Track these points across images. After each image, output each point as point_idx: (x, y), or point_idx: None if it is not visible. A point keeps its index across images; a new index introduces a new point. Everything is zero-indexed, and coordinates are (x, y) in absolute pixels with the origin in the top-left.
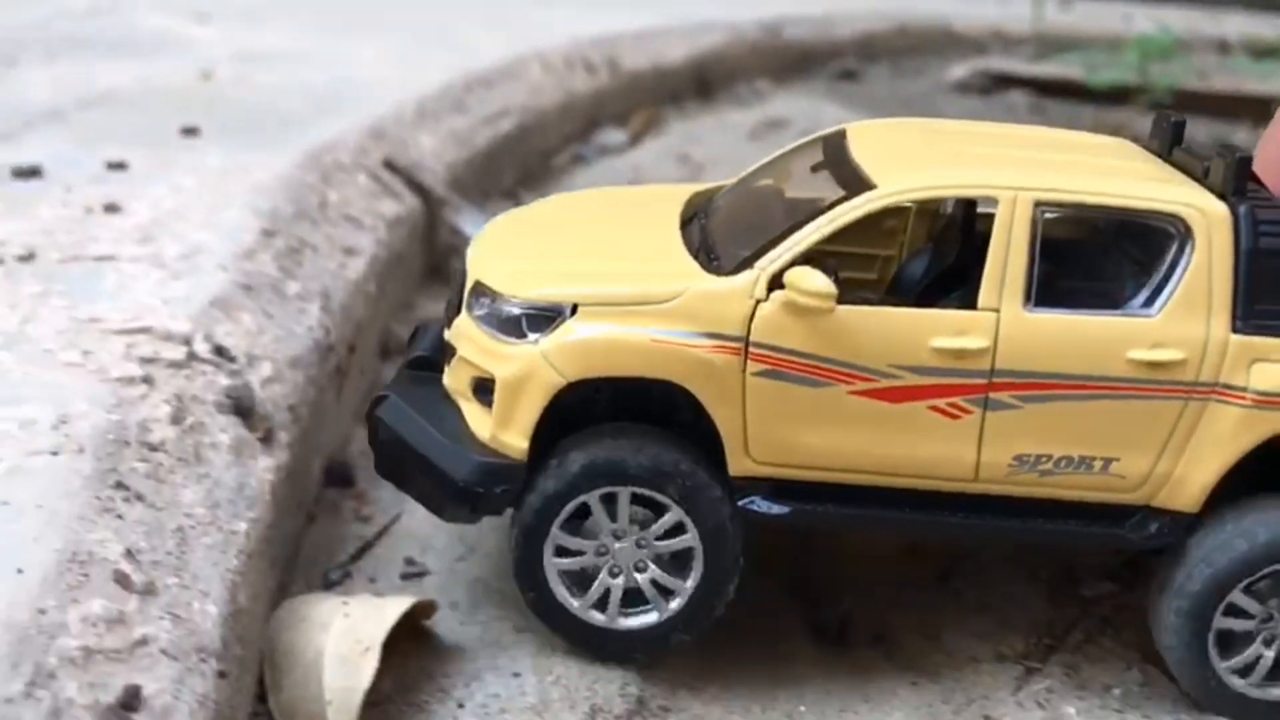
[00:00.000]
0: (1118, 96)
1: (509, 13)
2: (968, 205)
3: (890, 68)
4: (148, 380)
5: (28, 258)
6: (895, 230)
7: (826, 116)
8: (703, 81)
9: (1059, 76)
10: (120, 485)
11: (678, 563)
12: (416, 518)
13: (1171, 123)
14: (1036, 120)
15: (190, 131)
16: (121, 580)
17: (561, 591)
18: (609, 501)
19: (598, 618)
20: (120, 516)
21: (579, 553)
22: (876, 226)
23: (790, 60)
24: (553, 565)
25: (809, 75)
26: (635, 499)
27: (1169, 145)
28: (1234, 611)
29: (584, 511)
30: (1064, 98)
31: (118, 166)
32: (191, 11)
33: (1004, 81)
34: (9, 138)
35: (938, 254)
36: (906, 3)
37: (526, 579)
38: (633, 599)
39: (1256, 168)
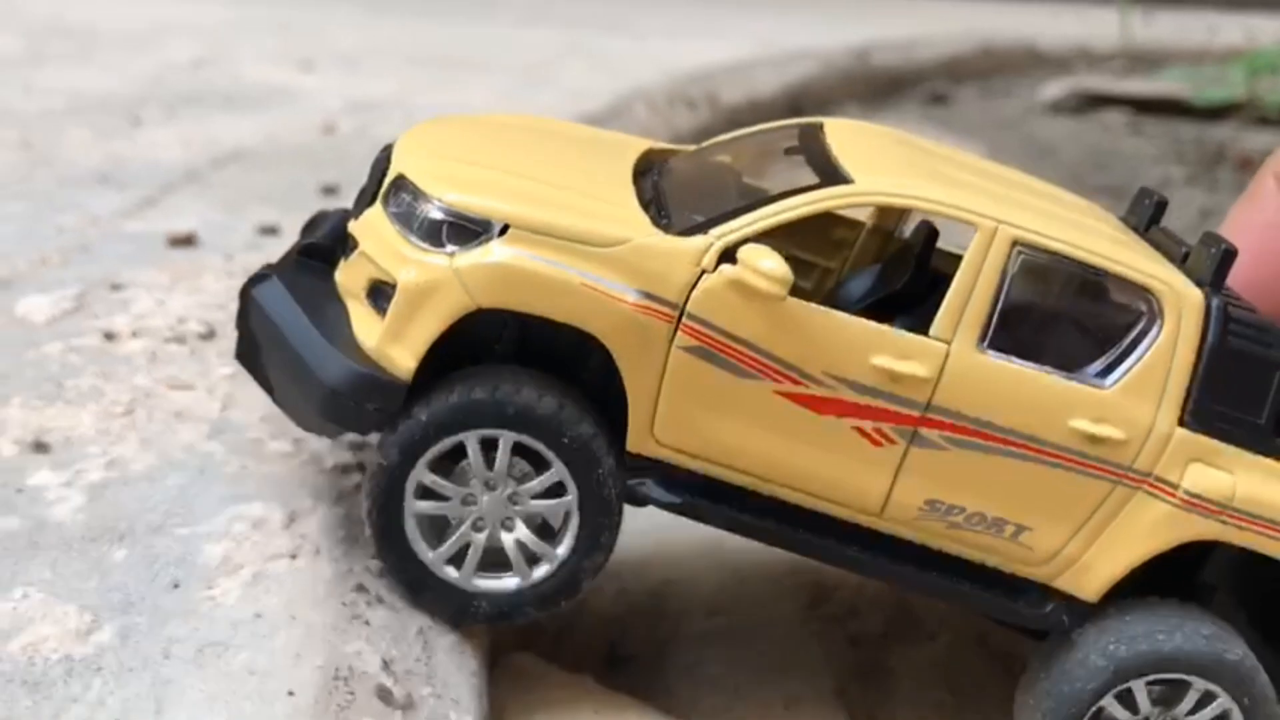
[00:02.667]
0: (1218, 113)
1: (603, 47)
2: (928, 235)
3: (978, 89)
4: (363, 467)
5: (209, 336)
6: (842, 243)
7: None
8: (796, 111)
9: (1157, 94)
10: (361, 588)
11: (550, 528)
12: (605, 597)
13: (1154, 201)
14: (1137, 140)
15: (330, 190)
16: (384, 696)
17: (416, 537)
18: (488, 448)
19: (450, 573)
20: (367, 623)
21: (444, 498)
22: (824, 235)
23: (879, 86)
24: (412, 506)
25: (898, 100)
26: (518, 451)
27: (1147, 223)
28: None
29: (458, 455)
30: (1162, 115)
31: (269, 231)
32: (294, 60)
33: (1098, 100)
34: (154, 202)
35: (884, 277)
36: (989, 21)
37: (380, 516)
38: (493, 561)
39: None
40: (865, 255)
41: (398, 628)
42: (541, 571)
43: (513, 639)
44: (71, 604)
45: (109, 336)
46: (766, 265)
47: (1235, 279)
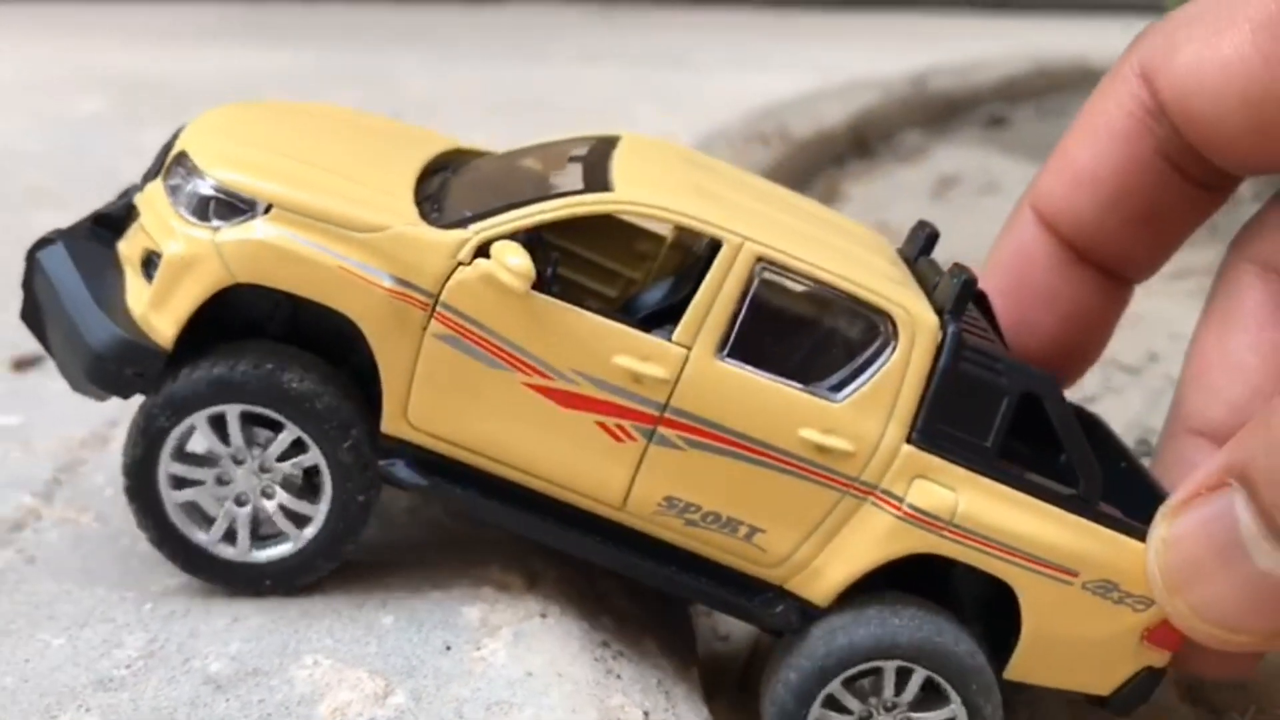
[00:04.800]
0: None
1: (668, 84)
2: (715, 252)
3: (1035, 110)
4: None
5: None
6: (646, 255)
7: (994, 168)
8: (861, 140)
9: None
10: (605, 644)
11: (309, 487)
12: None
13: (926, 233)
14: None
15: None
16: None
17: (187, 525)
18: (218, 424)
19: (228, 551)
20: (619, 677)
21: (197, 482)
22: (629, 246)
23: (937, 110)
24: (172, 498)
25: (956, 124)
26: (253, 421)
27: (918, 253)
28: (834, 706)
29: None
30: None
31: None
32: (381, 111)
33: None
34: None
35: (675, 288)
36: (1039, 38)
37: (146, 516)
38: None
39: (988, 266)
40: (666, 267)
41: (642, 680)
42: (312, 529)
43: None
44: (360, 669)
45: None
46: (512, 261)
47: (998, 308)
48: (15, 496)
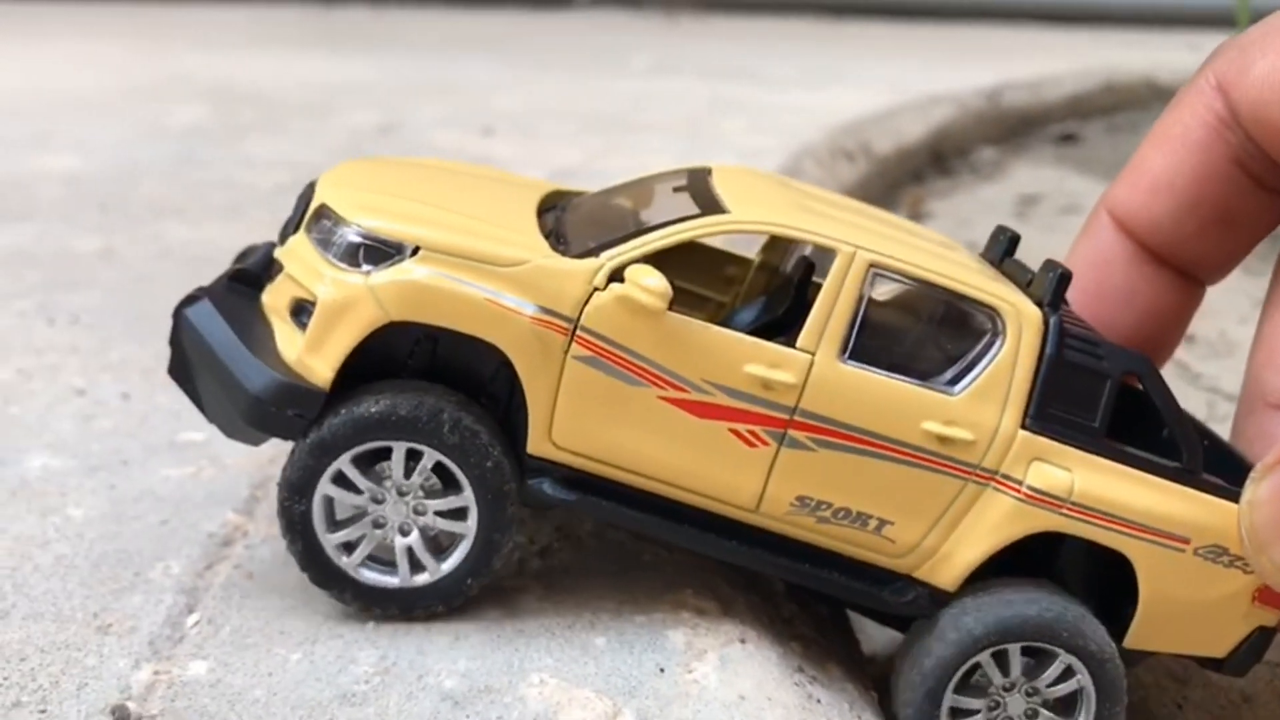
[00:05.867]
0: None
1: (746, 99)
2: (806, 269)
3: (1105, 126)
4: None
5: None
6: (734, 279)
7: (1073, 187)
8: (938, 155)
9: None
10: (800, 669)
11: (442, 543)
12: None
13: (1007, 237)
14: None
15: None
16: None
17: (318, 514)
18: (412, 458)
19: (338, 556)
20: (819, 701)
21: (356, 490)
22: (717, 271)
23: (1009, 126)
24: (324, 487)
25: (1029, 139)
26: (435, 467)
27: (1001, 256)
28: (968, 690)
29: (381, 455)
30: None
31: None
32: (475, 126)
33: None
34: None
35: (768, 306)
36: (1107, 54)
37: (295, 483)
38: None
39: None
40: (754, 289)
41: (838, 705)
42: (420, 580)
43: None
44: (586, 689)
45: None
46: (649, 282)
47: (1076, 306)
48: (220, 513)
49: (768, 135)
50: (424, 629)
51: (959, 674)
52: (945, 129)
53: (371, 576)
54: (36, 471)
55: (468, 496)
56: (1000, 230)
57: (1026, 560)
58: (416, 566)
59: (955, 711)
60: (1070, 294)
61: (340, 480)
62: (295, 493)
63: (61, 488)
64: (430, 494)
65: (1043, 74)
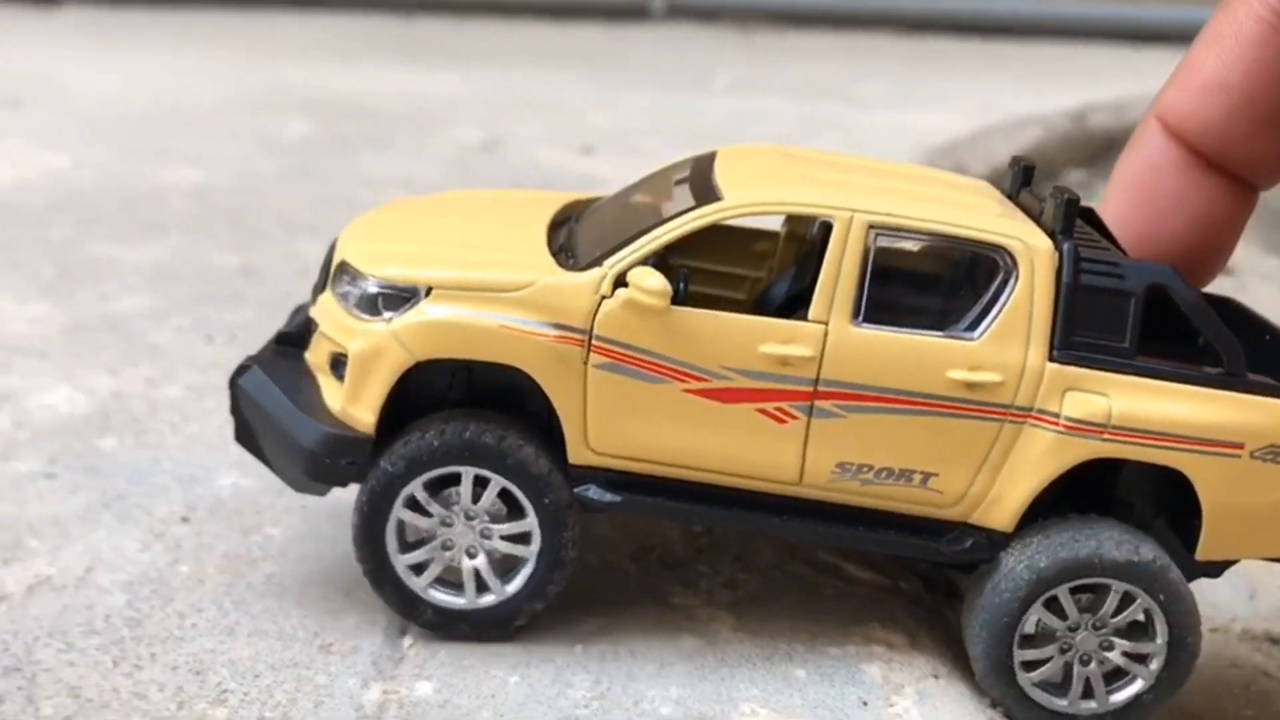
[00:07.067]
0: None
1: (840, 118)
2: (827, 234)
3: None
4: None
5: None
6: (765, 253)
7: None
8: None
9: None
10: (993, 704)
11: (506, 565)
12: None
13: (1022, 167)
14: None
15: None
16: None
17: (391, 538)
18: (479, 484)
19: (410, 577)
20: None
21: (426, 513)
22: (748, 249)
23: (1096, 148)
24: (398, 512)
25: (1111, 161)
26: (500, 493)
27: (1018, 188)
28: (1035, 631)
29: (449, 481)
30: None
31: None
32: (574, 144)
33: None
34: None
35: (798, 276)
36: None
37: (368, 510)
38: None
39: (1114, 179)
40: (785, 260)
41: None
42: (486, 600)
43: None
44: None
45: None
46: (650, 283)
47: (1125, 222)
48: None
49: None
50: (629, 655)
51: (1020, 630)
52: (1034, 151)
53: (441, 597)
54: (229, 490)
55: (531, 521)
56: (1015, 161)
57: (1091, 489)
58: (482, 588)
59: (1026, 665)
60: (1118, 205)
61: (412, 505)
62: (369, 514)
63: (256, 506)
64: (495, 518)
65: (1127, 95)
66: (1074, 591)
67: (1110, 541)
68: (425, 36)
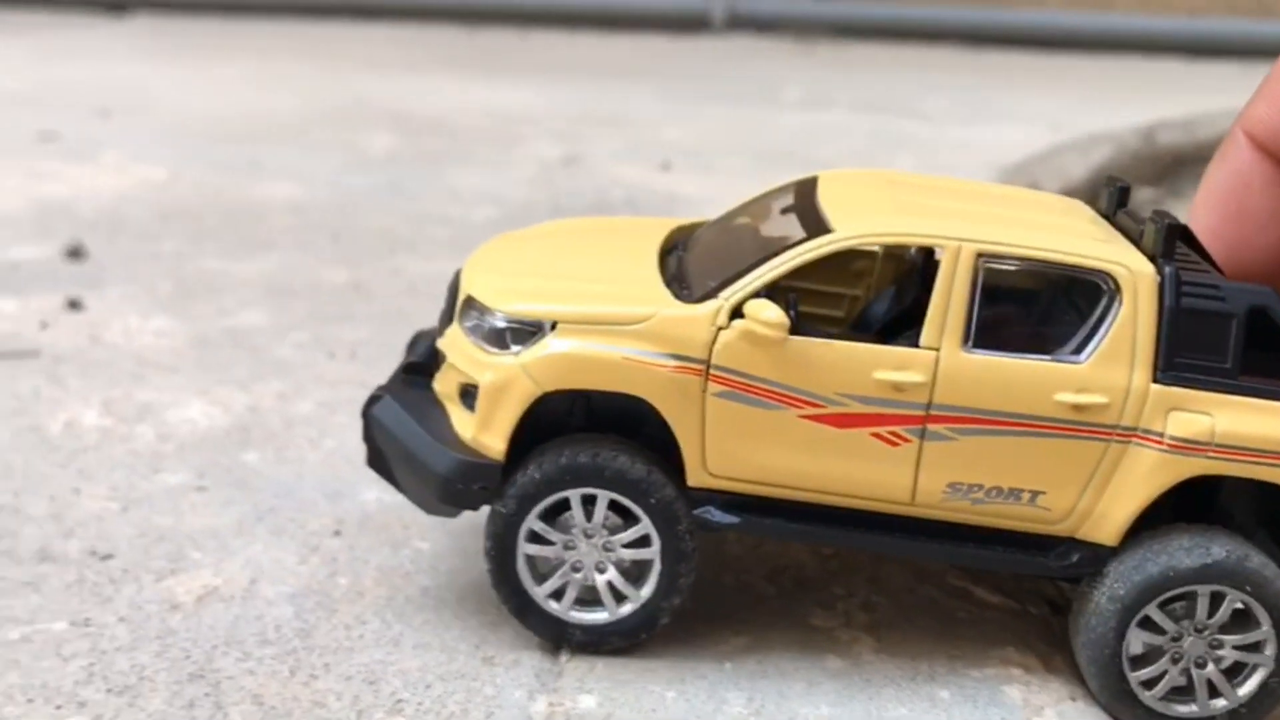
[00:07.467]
0: None
1: (908, 134)
2: (928, 252)
3: None
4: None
5: None
6: (863, 272)
7: None
8: (1098, 196)
9: None
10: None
11: (636, 572)
12: None
13: (1118, 188)
14: None
15: None
16: None
17: (525, 573)
18: (588, 503)
19: (552, 605)
20: None
21: (549, 542)
22: (846, 268)
23: (1165, 165)
24: (523, 548)
25: (1180, 180)
26: (612, 507)
27: (1114, 208)
28: (1147, 632)
29: (563, 508)
30: None
31: None
32: (653, 160)
33: None
34: None
35: (899, 296)
36: (1246, 86)
37: (497, 554)
38: (588, 598)
39: (1201, 193)
40: (884, 280)
41: None
42: (627, 609)
43: None
44: None
45: None
46: (768, 315)
47: (1215, 237)
48: None
49: (925, 166)
50: (777, 673)
51: (1125, 655)
52: (1107, 167)
53: (585, 617)
54: (373, 505)
55: (645, 524)
56: (1110, 181)
57: (1197, 503)
58: (620, 598)
59: (1145, 684)
60: (1207, 219)
61: (534, 538)
62: (498, 556)
63: (401, 520)
64: (613, 530)
65: (1195, 111)
66: (1163, 605)
67: (1180, 551)
68: (490, 46)
